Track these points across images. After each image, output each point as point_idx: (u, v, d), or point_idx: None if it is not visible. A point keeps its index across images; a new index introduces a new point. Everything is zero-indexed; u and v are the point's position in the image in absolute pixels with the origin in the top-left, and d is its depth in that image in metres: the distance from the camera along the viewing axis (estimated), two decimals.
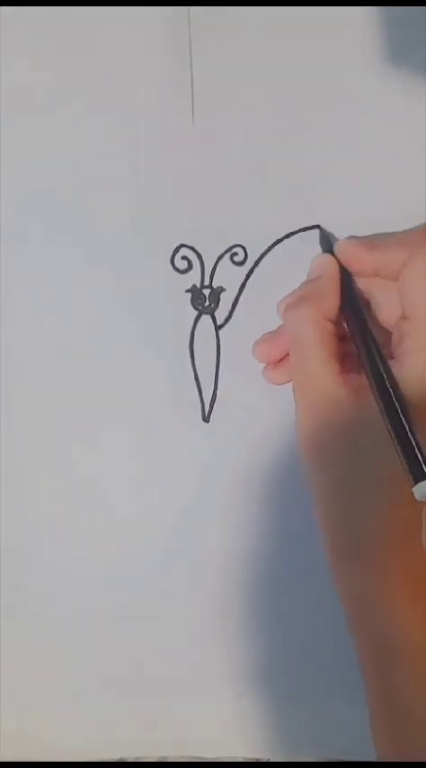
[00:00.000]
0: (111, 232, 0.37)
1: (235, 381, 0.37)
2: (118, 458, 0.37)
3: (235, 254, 0.37)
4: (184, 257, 0.37)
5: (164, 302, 0.37)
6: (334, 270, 0.34)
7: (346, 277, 0.34)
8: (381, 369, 0.31)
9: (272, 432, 0.37)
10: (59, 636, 0.37)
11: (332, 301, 0.33)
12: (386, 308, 0.34)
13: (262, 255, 0.37)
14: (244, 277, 0.37)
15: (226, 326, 0.37)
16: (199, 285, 0.37)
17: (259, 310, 0.37)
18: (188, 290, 0.37)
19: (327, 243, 0.36)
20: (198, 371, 0.37)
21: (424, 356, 0.31)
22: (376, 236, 0.35)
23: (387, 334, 0.34)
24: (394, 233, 0.34)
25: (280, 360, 0.35)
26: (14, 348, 0.37)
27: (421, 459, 0.29)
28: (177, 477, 0.37)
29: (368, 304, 0.35)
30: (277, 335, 0.35)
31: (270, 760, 0.37)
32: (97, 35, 0.37)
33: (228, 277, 0.37)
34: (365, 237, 0.35)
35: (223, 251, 0.37)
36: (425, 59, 0.37)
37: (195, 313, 0.37)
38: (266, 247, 0.37)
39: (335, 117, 0.37)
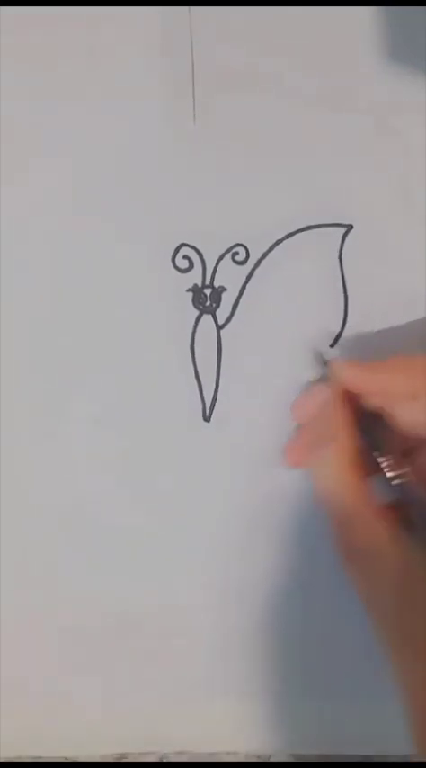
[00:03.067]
0: (112, 231, 0.37)
1: (236, 381, 0.37)
2: (119, 456, 0.37)
3: (237, 253, 0.37)
4: (185, 256, 0.37)
5: (165, 302, 0.37)
6: (337, 403, 0.33)
7: (349, 402, 0.33)
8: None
9: (273, 431, 0.37)
10: (60, 635, 0.37)
11: (348, 439, 0.32)
12: (402, 416, 0.33)
13: (264, 255, 0.37)
14: (245, 277, 0.37)
15: (228, 326, 0.37)
16: (200, 285, 0.37)
17: (260, 310, 0.37)
18: (189, 290, 0.37)
19: (322, 362, 0.35)
20: (199, 371, 0.37)
21: None
22: (372, 362, 0.33)
23: (411, 441, 0.33)
24: (391, 359, 0.33)
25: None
26: (15, 350, 0.37)
27: None
28: (177, 476, 0.37)
29: (381, 416, 0.33)
30: (297, 438, 0.35)
31: (271, 760, 0.38)
32: (98, 34, 0.37)
33: (230, 277, 0.37)
34: (362, 361, 0.33)
35: (224, 250, 0.37)
36: (425, 59, 0.37)
37: (196, 313, 0.37)
38: (268, 247, 0.37)
39: (336, 116, 0.37)
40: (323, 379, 0.34)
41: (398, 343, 0.37)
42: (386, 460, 0.32)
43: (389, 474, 0.32)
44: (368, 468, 0.32)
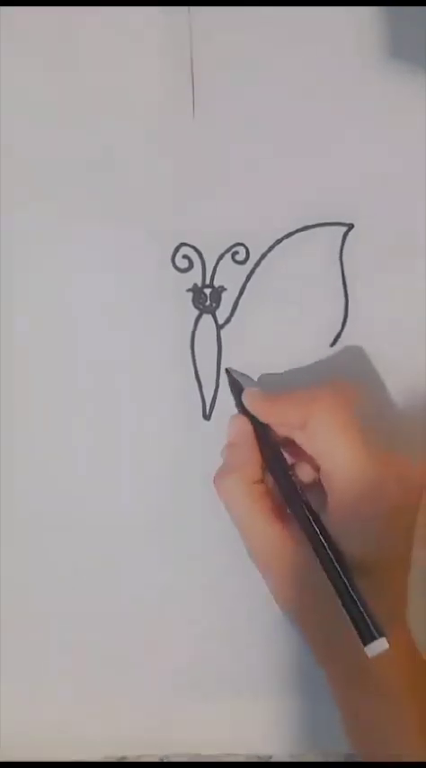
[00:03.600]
0: (112, 230, 0.37)
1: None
2: (119, 455, 0.37)
3: (237, 252, 0.37)
4: (185, 256, 0.37)
5: (165, 301, 0.37)
6: (249, 433, 0.35)
7: (262, 431, 0.35)
8: (316, 530, 0.32)
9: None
10: (60, 634, 0.37)
11: (254, 465, 0.34)
12: (301, 444, 0.34)
13: (264, 255, 0.37)
14: (245, 276, 0.37)
15: (228, 326, 0.37)
16: (200, 284, 0.37)
17: (260, 309, 0.37)
18: (189, 290, 0.37)
19: (237, 387, 0.36)
20: (199, 370, 0.37)
21: (347, 509, 0.32)
22: (278, 392, 0.35)
23: (314, 466, 0.34)
24: (294, 388, 0.35)
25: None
26: (15, 347, 0.37)
27: (367, 619, 0.30)
28: (178, 474, 0.37)
29: (292, 444, 0.34)
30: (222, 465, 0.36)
31: (271, 760, 0.37)
32: (99, 33, 0.37)
33: (230, 276, 0.37)
34: (266, 392, 0.35)
35: (224, 250, 0.37)
36: (425, 59, 0.37)
37: (196, 312, 0.37)
38: (268, 246, 0.37)
39: (336, 114, 0.37)
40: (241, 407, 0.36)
41: (398, 341, 0.37)
42: (284, 490, 0.34)
43: (287, 503, 0.34)
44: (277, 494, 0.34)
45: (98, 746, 0.38)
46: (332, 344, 0.37)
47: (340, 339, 0.37)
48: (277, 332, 0.37)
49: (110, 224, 0.37)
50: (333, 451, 0.32)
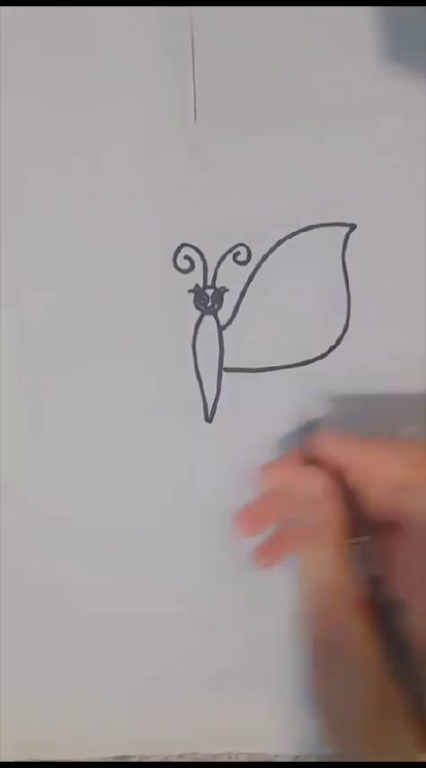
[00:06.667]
0: (113, 231, 0.37)
1: (238, 382, 0.37)
2: (121, 457, 0.37)
3: (238, 253, 0.37)
4: (187, 257, 0.37)
5: (166, 302, 0.37)
6: (328, 487, 0.32)
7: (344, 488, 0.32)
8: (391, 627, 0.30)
9: (274, 431, 0.37)
10: (60, 634, 0.37)
11: (338, 526, 0.32)
12: (381, 499, 0.32)
13: (265, 255, 0.37)
14: (247, 277, 0.37)
15: (229, 327, 0.37)
16: (201, 285, 0.37)
17: (262, 311, 0.37)
18: (190, 291, 0.37)
19: (308, 430, 0.34)
20: (200, 372, 0.37)
21: None
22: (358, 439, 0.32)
23: (383, 525, 0.32)
24: (383, 439, 0.32)
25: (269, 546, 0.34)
26: (17, 351, 0.37)
27: None
28: (180, 476, 0.37)
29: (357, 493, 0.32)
30: (258, 506, 0.34)
31: (272, 760, 0.38)
32: (99, 34, 0.37)
33: (231, 277, 0.37)
34: (350, 437, 0.32)
35: (226, 251, 0.37)
36: (425, 59, 0.37)
37: (198, 313, 0.37)
38: (269, 247, 0.37)
39: (337, 116, 0.37)
40: (303, 445, 0.34)
41: (400, 342, 0.37)
42: (360, 544, 0.32)
43: (362, 561, 0.32)
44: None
45: (99, 746, 0.38)
46: (335, 345, 0.37)
47: (342, 340, 0.37)
48: (279, 333, 0.37)
49: (110, 224, 0.37)
50: None
